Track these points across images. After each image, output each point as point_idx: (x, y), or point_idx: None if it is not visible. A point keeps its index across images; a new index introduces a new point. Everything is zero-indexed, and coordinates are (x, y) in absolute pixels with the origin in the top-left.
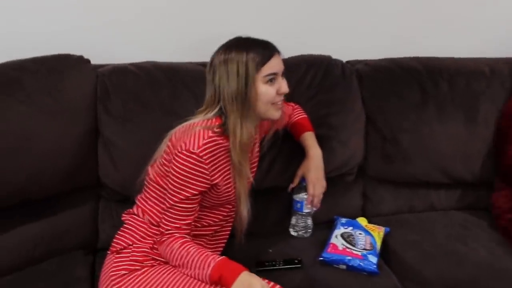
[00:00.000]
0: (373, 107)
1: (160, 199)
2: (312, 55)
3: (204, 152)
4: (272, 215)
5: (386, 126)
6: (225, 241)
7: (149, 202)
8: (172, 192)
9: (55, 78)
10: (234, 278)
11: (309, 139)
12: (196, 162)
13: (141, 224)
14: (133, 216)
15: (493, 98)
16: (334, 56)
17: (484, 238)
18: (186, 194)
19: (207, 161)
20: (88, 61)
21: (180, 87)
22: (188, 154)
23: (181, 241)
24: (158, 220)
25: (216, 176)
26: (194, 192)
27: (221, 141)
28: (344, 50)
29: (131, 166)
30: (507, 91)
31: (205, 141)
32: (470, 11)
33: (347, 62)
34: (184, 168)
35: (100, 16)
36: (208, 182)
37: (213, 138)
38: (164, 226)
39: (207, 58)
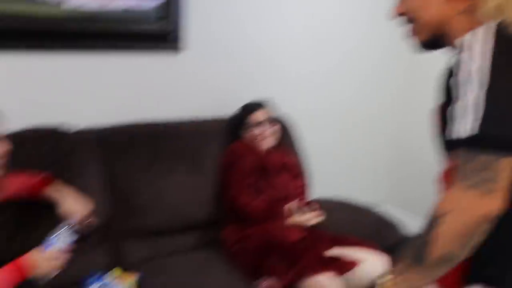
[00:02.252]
0: (110, 169)
1: None
2: (43, 126)
3: None
4: None
5: (125, 185)
6: None
7: None
8: None
9: None
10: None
11: (56, 190)
12: None
13: None
14: None
15: (212, 152)
16: (70, 122)
17: (220, 269)
18: None
19: None
20: None
21: None
22: None
23: None
24: None
25: None
26: None
27: None
28: (76, 118)
29: None
30: (221, 146)
31: None
32: (180, 81)
33: (82, 129)
34: None
35: None
36: None
37: None
38: None
39: None
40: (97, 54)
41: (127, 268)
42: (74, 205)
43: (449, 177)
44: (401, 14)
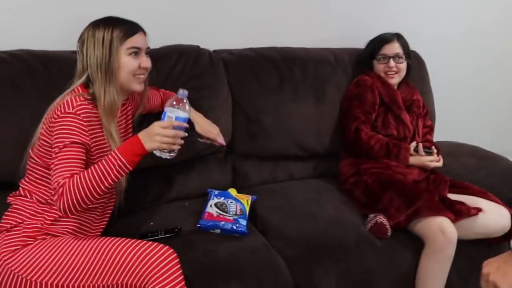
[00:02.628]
0: (238, 91)
1: (46, 178)
2: (182, 45)
3: (80, 112)
4: (150, 192)
5: (250, 108)
6: (109, 215)
7: (35, 184)
8: (55, 144)
9: None
10: (139, 141)
11: None
12: (73, 119)
13: (29, 204)
14: (20, 198)
15: (337, 82)
16: (202, 46)
17: (333, 199)
18: (67, 140)
19: (84, 119)
20: None
21: (57, 74)
22: (65, 115)
23: (75, 176)
24: (47, 197)
25: (90, 137)
26: (74, 140)
27: (92, 108)
28: (211, 40)
29: (10, 152)
30: (348, 77)
31: (78, 104)
32: (317, 8)
33: (214, 51)
34: (63, 125)
35: None
36: (87, 136)
37: (85, 103)
38: (54, 182)
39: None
40: None
41: (243, 189)
42: (205, 123)
43: None
44: None
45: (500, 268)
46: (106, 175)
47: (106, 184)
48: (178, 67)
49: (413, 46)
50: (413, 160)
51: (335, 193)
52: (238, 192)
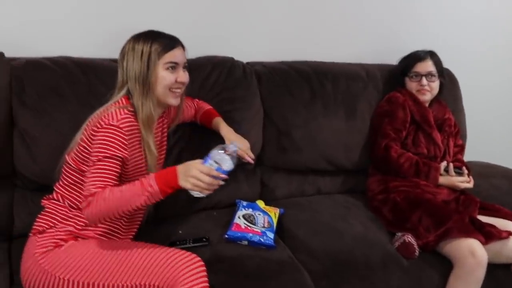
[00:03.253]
0: (269, 104)
1: (79, 184)
2: (217, 56)
3: (123, 125)
4: (180, 200)
5: (281, 121)
6: (139, 224)
7: (68, 188)
8: (94, 154)
9: None
10: (176, 175)
11: (221, 122)
12: (116, 132)
13: (61, 208)
14: (53, 201)
15: (368, 98)
16: (236, 58)
17: (360, 216)
18: (107, 154)
19: (126, 133)
20: (1, 54)
21: (95, 81)
22: (108, 126)
23: (107, 189)
24: (78, 203)
25: (129, 150)
26: (114, 153)
27: (133, 121)
28: (245, 53)
29: (48, 156)
30: (379, 93)
31: (122, 116)
32: (350, 23)
33: (247, 63)
34: (105, 137)
35: (12, 12)
36: (127, 150)
37: (128, 115)
38: (86, 190)
39: (117, 55)
40: None
41: (270, 201)
42: (236, 138)
43: None
44: None
45: None
46: (136, 198)
47: (134, 207)
48: (212, 78)
49: (446, 64)
50: (443, 180)
51: (362, 210)
52: (266, 204)
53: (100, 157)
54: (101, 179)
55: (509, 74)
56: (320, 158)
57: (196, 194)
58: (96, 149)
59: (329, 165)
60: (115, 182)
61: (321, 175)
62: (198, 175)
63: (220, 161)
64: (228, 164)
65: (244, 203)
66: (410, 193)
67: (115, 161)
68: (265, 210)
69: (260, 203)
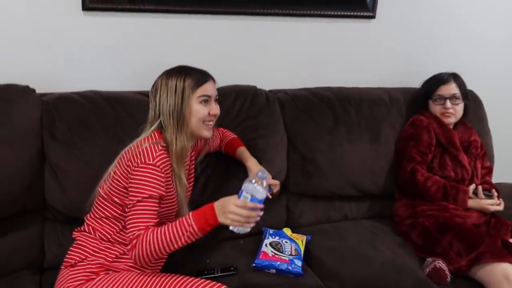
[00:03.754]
0: (293, 131)
1: (111, 217)
2: (240, 85)
3: (159, 163)
4: None
5: (305, 147)
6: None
7: (99, 221)
8: (133, 194)
9: (4, 107)
10: (214, 213)
11: (245, 152)
12: (153, 171)
13: (92, 240)
14: (84, 233)
15: (392, 122)
16: (258, 86)
17: (388, 241)
18: (146, 194)
19: (162, 170)
20: (33, 90)
21: (123, 114)
22: (145, 165)
23: (149, 231)
24: (109, 236)
25: (165, 186)
26: (153, 193)
27: (167, 156)
28: (267, 81)
29: (78, 189)
30: (403, 117)
31: (158, 153)
32: (371, 47)
33: (270, 91)
34: (143, 177)
35: (42, 49)
36: (164, 187)
37: (162, 151)
38: (130, 233)
39: (144, 87)
40: (291, 19)
41: (296, 228)
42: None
43: None
44: None
45: None
46: (178, 238)
47: (176, 247)
48: (236, 106)
49: (470, 86)
50: (472, 203)
51: (390, 235)
52: (292, 231)
53: (140, 198)
54: (143, 220)
55: None
56: (346, 183)
57: (237, 230)
58: (135, 190)
59: (354, 191)
60: (156, 220)
61: (347, 201)
62: (235, 210)
63: (253, 191)
64: (261, 193)
65: (271, 231)
66: (439, 217)
67: (154, 200)
68: (292, 237)
69: (287, 231)
